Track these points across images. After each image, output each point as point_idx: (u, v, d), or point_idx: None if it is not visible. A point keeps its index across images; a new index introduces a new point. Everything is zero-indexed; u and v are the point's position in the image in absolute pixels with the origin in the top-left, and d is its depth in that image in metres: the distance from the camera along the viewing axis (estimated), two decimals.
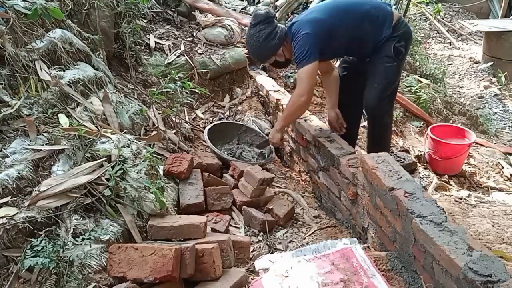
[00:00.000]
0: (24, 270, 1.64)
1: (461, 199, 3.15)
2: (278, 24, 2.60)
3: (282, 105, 3.18)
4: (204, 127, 3.13)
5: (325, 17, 2.56)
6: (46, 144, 2.02)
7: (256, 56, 2.79)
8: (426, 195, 1.81)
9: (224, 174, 2.71)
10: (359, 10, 2.60)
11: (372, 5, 2.63)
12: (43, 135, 2.05)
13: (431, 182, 3.39)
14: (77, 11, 2.83)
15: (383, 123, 2.83)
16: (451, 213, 2.75)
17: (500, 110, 5.32)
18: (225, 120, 3.38)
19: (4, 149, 1.95)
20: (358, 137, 3.77)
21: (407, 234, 1.76)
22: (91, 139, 2.09)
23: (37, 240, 1.69)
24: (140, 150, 2.28)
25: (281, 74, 4.05)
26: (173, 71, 2.90)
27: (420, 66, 5.15)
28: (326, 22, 2.54)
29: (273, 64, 2.83)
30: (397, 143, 3.93)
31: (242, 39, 3.98)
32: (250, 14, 4.54)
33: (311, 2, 5.30)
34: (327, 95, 3.06)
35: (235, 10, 4.48)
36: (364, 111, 2.97)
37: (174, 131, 2.93)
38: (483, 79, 5.95)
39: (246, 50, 2.85)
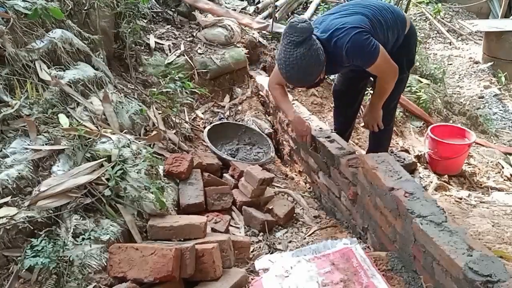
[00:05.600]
0: (24, 270, 1.64)
1: (461, 199, 3.15)
2: None
3: None
4: (204, 127, 3.13)
5: (359, 17, 2.30)
6: (46, 144, 2.02)
7: (308, 79, 2.30)
8: (426, 195, 1.82)
9: (224, 174, 2.71)
10: (387, 16, 2.41)
11: (392, 13, 2.45)
12: (43, 135, 2.05)
13: (431, 182, 3.39)
14: (77, 11, 2.83)
15: (386, 130, 2.85)
16: (451, 213, 2.75)
17: (500, 110, 5.33)
18: (225, 120, 3.38)
19: (4, 149, 1.95)
20: (358, 137, 3.79)
21: (407, 234, 1.76)
22: (91, 139, 2.09)
23: (37, 240, 1.69)
24: (140, 150, 2.28)
25: None
26: (173, 71, 2.90)
27: (420, 66, 5.15)
28: (364, 21, 2.29)
29: (315, 82, 2.43)
30: (397, 143, 3.93)
31: (242, 39, 3.98)
32: (250, 14, 4.54)
33: (311, 2, 5.31)
34: (284, 103, 2.77)
35: (235, 10, 4.48)
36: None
37: (174, 131, 2.92)
38: (483, 79, 5.95)
39: (285, 78, 2.33)
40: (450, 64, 6.40)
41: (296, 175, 3.07)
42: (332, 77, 3.80)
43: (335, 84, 3.06)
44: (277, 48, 4.03)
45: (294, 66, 2.18)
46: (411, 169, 3.43)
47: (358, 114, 3.24)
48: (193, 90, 2.85)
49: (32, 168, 1.92)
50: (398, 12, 2.53)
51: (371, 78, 2.79)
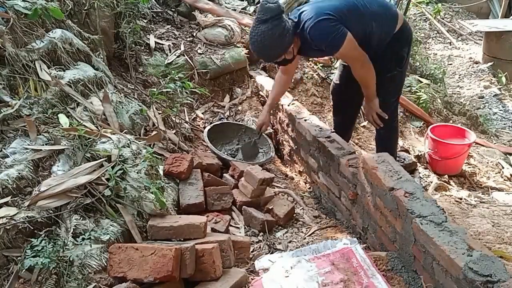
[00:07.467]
0: (24, 270, 1.64)
1: (461, 199, 3.15)
2: (287, 18, 2.35)
3: (282, 105, 3.17)
4: (204, 127, 3.13)
5: (336, 4, 2.38)
6: (46, 144, 2.02)
7: (266, 56, 2.51)
8: (426, 195, 1.81)
9: (224, 174, 2.71)
10: (373, 7, 2.45)
11: (382, 6, 2.50)
12: (43, 135, 2.05)
13: (431, 182, 3.39)
14: (77, 11, 2.83)
15: (389, 128, 2.85)
16: (451, 213, 2.75)
17: (500, 110, 5.32)
18: (225, 120, 3.38)
19: (4, 149, 1.95)
20: (358, 137, 3.79)
21: (407, 234, 1.76)
22: (91, 139, 2.09)
23: (37, 240, 1.69)
24: (140, 150, 2.28)
25: None
26: (173, 71, 2.90)
27: (420, 66, 5.15)
28: (338, 9, 2.36)
29: (278, 62, 2.54)
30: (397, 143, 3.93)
31: (242, 39, 3.98)
32: (250, 14, 4.54)
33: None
34: (271, 93, 2.95)
35: (235, 10, 4.47)
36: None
37: (174, 131, 2.92)
38: (483, 79, 5.94)
39: (251, 49, 2.51)
40: (450, 64, 6.39)
41: (296, 175, 3.07)
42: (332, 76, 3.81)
43: (334, 80, 3.07)
44: None
45: (255, 41, 2.32)
46: (411, 169, 3.42)
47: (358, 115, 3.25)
48: (193, 90, 2.85)
49: (32, 168, 1.92)
50: (389, 8, 2.56)
51: None
